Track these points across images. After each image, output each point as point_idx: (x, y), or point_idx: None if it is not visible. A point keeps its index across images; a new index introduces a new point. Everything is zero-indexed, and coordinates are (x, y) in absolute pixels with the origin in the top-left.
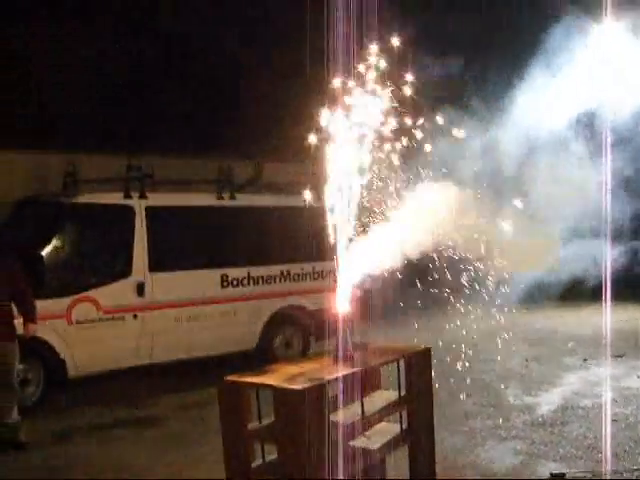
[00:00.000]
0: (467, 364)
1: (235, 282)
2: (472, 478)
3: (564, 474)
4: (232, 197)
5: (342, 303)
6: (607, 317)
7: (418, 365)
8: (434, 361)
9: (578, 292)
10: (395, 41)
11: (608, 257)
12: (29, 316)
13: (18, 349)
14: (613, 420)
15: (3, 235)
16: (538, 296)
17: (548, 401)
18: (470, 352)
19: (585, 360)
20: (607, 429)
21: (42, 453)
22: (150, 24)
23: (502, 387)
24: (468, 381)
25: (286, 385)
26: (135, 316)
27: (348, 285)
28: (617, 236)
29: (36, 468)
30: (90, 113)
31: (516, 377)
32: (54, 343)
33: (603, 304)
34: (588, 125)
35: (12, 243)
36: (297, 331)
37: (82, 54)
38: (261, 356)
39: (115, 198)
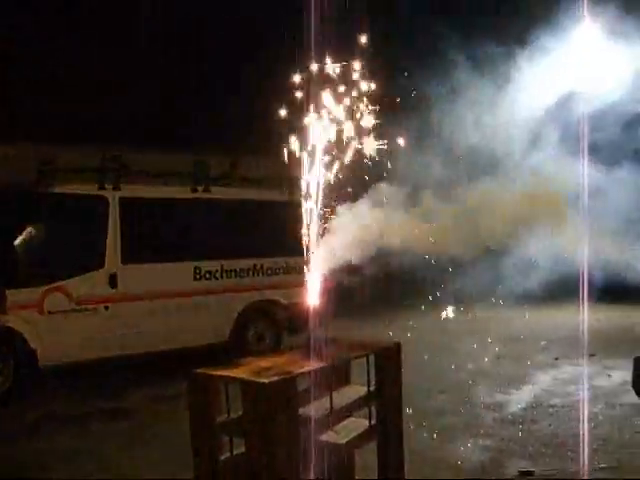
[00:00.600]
0: (438, 360)
1: (208, 275)
2: (440, 478)
3: (532, 472)
4: (206, 190)
5: (315, 297)
6: (582, 316)
7: (388, 360)
8: (406, 357)
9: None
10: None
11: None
12: None
13: None
14: (583, 419)
15: None
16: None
17: (518, 399)
18: (441, 348)
19: (556, 359)
20: (577, 427)
21: (11, 445)
22: (127, 19)
23: (473, 384)
24: (439, 377)
25: (253, 378)
26: (107, 307)
27: (321, 279)
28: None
29: (5, 460)
30: (66, 106)
31: (487, 374)
32: (25, 333)
33: (579, 303)
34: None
35: None
36: (270, 325)
37: (58, 47)
38: (233, 349)
39: (89, 189)
